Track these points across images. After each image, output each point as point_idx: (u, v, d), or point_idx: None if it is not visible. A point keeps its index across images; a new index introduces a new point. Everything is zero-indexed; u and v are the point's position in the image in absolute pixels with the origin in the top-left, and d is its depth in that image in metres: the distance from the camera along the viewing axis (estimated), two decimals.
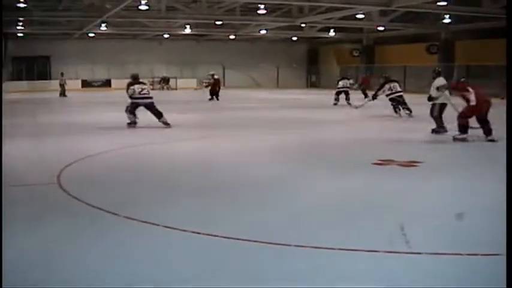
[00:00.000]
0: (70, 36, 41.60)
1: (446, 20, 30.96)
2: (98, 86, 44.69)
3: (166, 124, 15.20)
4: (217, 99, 27.68)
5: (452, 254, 4.74)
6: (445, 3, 24.86)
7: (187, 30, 38.21)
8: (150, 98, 15.54)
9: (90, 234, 5.37)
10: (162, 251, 4.87)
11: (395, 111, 18.87)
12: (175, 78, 45.02)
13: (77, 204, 6.49)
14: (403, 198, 6.89)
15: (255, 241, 5.04)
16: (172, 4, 30.46)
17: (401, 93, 19.09)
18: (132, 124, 15.39)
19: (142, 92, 15.51)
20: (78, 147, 11.26)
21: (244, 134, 14.20)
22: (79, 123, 16.74)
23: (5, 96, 29.90)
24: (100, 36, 41.44)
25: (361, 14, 30.43)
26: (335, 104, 24.01)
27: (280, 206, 6.51)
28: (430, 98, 13.78)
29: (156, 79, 44.38)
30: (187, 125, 16.60)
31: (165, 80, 43.73)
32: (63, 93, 34.39)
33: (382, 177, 8.16)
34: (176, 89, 43.25)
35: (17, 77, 42.82)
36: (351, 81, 25.85)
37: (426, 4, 25.23)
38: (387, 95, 19.20)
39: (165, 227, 5.49)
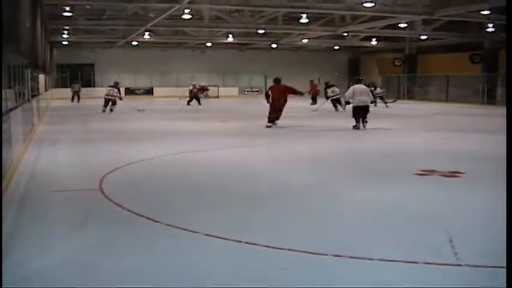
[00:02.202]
0: (114, 44, 42.22)
1: (490, 29, 30.54)
2: (141, 94, 45.20)
3: (111, 110, 24.82)
4: (199, 104, 31.51)
5: (494, 266, 4.64)
6: (488, 12, 24.53)
7: (230, 39, 38.43)
8: (113, 96, 25.19)
9: (130, 241, 5.40)
10: (203, 260, 4.86)
11: (335, 108, 25.96)
12: (217, 86, 45.21)
13: (119, 210, 6.55)
14: (447, 210, 6.77)
15: (293, 250, 5.02)
16: (216, 13, 30.68)
17: (339, 96, 25.85)
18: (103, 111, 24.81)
19: (109, 92, 25.36)
20: (121, 154, 11.42)
21: (284, 142, 14.26)
22: (123, 130, 16.97)
23: (50, 103, 30.50)
24: (143, 44, 41.97)
25: (404, 23, 30.22)
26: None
27: (319, 215, 6.48)
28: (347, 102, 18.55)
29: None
30: (228, 133, 16.72)
31: (202, 89, 43.78)
32: (77, 99, 35.62)
33: (425, 188, 8.05)
34: (218, 97, 43.40)
35: (61, 84, 43.61)
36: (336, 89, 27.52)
37: (470, 13, 24.96)
38: (329, 97, 26.44)
39: (206, 234, 5.49)
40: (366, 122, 17.48)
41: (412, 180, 8.60)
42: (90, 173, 8.98)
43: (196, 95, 32.34)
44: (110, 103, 25.08)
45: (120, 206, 6.71)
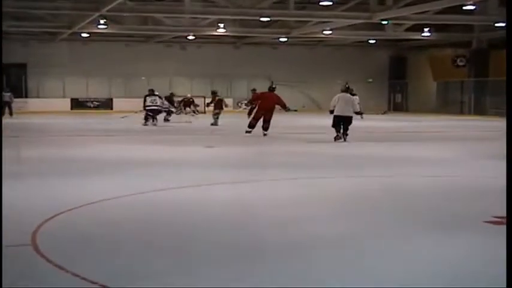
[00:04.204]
0: (55, 37, 42.41)
1: None
2: (95, 108, 45.25)
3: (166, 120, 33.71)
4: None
5: None
6: None
7: (221, 30, 38.52)
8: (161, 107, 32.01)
9: None
10: None
11: (146, 121, 31.01)
12: (203, 97, 44.86)
13: (60, 275, 6.50)
14: None
15: None
16: None
17: (158, 107, 31.88)
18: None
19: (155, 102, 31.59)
20: (68, 194, 11.38)
21: (298, 176, 14.21)
22: (72, 159, 17.02)
23: None
24: (98, 37, 42.17)
25: (471, 4, 30.22)
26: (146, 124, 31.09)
27: (351, 282, 6.44)
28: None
29: (176, 99, 44.18)
30: (219, 162, 16.76)
31: (187, 103, 43.28)
32: (9, 113, 36.24)
33: (500, 242, 7.97)
34: (205, 112, 43.27)
35: None
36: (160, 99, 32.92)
37: None
38: (146, 106, 31.33)
39: None
40: (347, 134, 22.34)
41: (482, 231, 8.55)
42: (21, 222, 8.91)
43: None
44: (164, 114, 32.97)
45: (61, 268, 6.65)
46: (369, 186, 12.94)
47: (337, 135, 22.11)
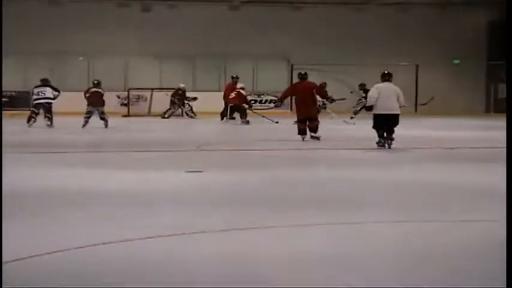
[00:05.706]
0: None
1: None
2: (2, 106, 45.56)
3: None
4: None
5: None
6: None
7: None
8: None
9: None
10: None
11: (29, 121, 37.12)
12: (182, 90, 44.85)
13: None
14: None
15: None
16: None
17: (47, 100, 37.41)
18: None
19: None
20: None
21: (331, 219, 14.08)
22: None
23: None
24: None
25: None
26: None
27: None
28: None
29: (141, 93, 44.49)
30: (209, 197, 16.98)
31: (183, 96, 43.06)
32: None
33: None
34: (183, 115, 43.44)
35: None
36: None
37: None
38: (34, 101, 37.81)
39: None
40: (392, 139, 25.67)
41: None
42: None
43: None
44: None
45: None
46: (445, 237, 12.80)
47: (380, 141, 25.59)
